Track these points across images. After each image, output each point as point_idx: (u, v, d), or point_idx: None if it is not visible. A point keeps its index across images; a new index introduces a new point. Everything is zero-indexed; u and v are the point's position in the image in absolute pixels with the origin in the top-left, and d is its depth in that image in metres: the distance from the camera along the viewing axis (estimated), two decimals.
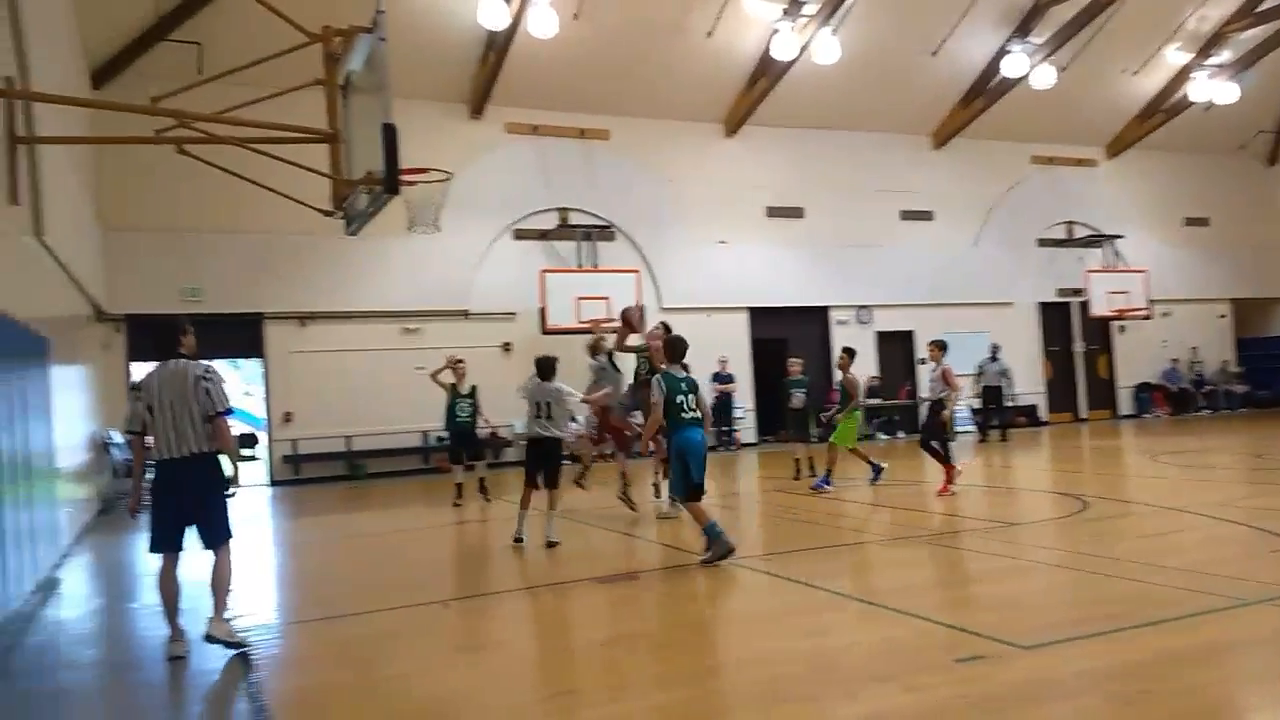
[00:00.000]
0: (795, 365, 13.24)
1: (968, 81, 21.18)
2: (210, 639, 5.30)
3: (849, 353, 11.76)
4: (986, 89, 21.12)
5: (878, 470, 11.54)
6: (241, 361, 23.58)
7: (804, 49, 18.27)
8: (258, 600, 7.37)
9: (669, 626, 5.81)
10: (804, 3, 17.82)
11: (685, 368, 7.58)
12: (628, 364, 10.52)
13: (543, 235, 18.91)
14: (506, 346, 18.02)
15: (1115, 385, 24.12)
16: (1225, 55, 21.79)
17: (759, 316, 20.44)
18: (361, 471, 17.11)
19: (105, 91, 15.12)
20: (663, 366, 7.88)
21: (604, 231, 19.26)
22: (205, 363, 5.59)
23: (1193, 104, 22.42)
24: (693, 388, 7.45)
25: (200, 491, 5.44)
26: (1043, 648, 4.74)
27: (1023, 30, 19.87)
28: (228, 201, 15.48)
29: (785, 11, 17.92)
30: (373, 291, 17.56)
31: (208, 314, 16.54)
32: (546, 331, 17.62)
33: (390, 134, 7.26)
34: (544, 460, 8.45)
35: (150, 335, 5.81)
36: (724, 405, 18.89)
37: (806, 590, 6.31)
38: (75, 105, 10.05)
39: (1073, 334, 23.75)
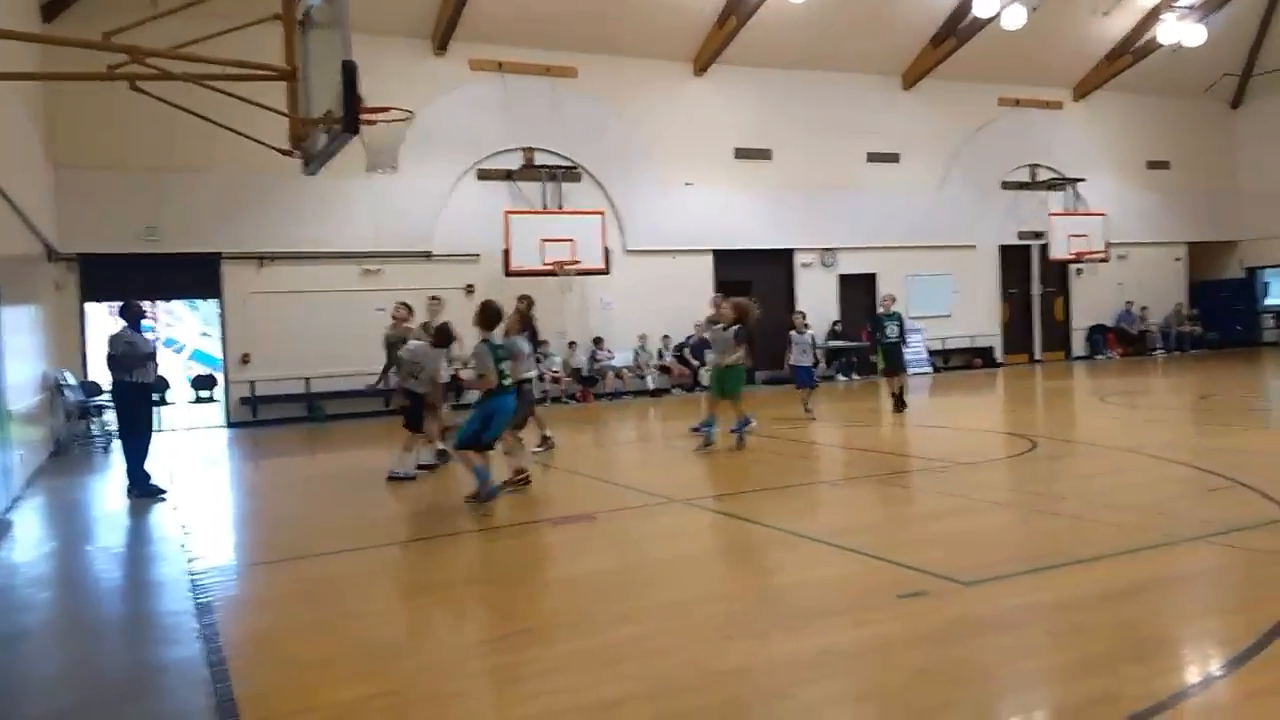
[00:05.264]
0: (888, 299, 14.26)
1: (939, 21, 20.99)
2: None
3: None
4: (957, 29, 20.96)
5: (746, 421, 10.44)
6: (199, 302, 23.29)
7: None
8: (216, 543, 7.40)
9: (622, 566, 5.92)
10: None
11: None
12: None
13: (507, 175, 18.67)
14: (469, 289, 17.89)
15: (1070, 327, 24.50)
16: None
17: (723, 259, 20.40)
18: (320, 413, 17.03)
19: (55, 26, 14.56)
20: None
21: (569, 172, 19.04)
22: None
23: (1160, 46, 22.39)
24: (510, 354, 8.04)
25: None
26: (983, 584, 4.91)
27: None
28: (184, 140, 15.08)
29: None
30: (333, 232, 17.29)
31: (165, 254, 16.29)
32: (510, 273, 17.50)
33: (350, 72, 7.07)
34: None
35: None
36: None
37: (757, 529, 6.44)
38: (23, 40, 9.71)
39: (1031, 276, 24.01)
